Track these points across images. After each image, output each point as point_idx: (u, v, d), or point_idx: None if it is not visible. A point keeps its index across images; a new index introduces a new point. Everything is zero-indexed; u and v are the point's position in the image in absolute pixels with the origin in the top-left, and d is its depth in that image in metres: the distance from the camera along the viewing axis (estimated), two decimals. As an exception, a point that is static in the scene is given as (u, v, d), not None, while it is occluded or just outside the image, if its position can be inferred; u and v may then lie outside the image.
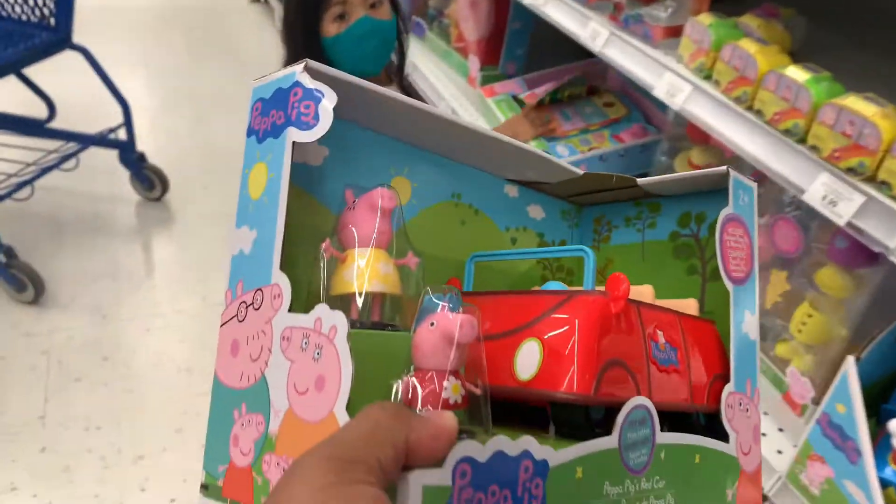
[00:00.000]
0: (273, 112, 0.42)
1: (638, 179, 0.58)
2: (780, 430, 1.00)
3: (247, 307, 0.41)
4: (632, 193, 0.62)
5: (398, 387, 0.38)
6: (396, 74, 1.55)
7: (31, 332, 2.05)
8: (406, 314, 0.44)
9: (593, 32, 1.15)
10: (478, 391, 0.40)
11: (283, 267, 0.39)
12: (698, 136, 1.16)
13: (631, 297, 0.45)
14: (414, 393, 0.38)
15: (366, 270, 0.43)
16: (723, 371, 0.52)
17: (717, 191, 0.55)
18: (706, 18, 0.96)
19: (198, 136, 3.14)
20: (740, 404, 0.50)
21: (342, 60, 1.32)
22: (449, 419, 0.33)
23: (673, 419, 0.48)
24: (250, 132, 0.44)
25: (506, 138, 0.54)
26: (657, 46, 1.06)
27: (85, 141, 2.46)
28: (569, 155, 1.41)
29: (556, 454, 0.37)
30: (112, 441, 1.80)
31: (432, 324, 0.38)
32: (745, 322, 0.51)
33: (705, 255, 0.57)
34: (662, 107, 1.53)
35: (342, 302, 0.43)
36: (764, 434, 0.97)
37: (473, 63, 1.88)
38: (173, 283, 2.33)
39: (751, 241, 0.53)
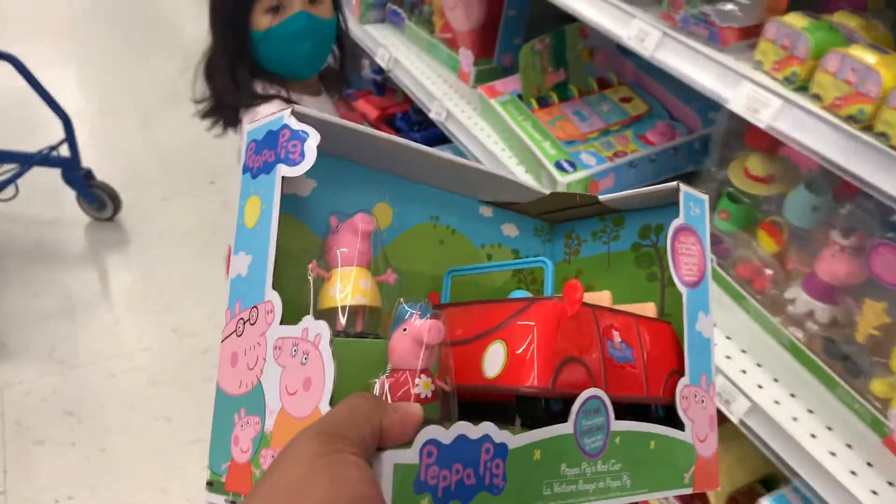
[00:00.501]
0: (265, 151, 0.47)
1: (600, 197, 0.63)
2: (890, 483, 0.88)
3: (244, 323, 0.46)
4: (597, 209, 0.67)
5: (376, 385, 0.44)
6: (336, 83, 1.38)
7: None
8: (385, 325, 0.48)
9: (641, 33, 0.99)
10: (447, 387, 0.45)
11: (275, 286, 0.44)
12: (761, 144, 1.02)
13: (590, 302, 0.52)
14: (390, 389, 0.43)
15: (348, 286, 0.48)
16: (678, 367, 0.56)
17: (673, 203, 0.58)
18: (797, 20, 0.81)
19: (147, 139, 2.86)
20: (695, 396, 0.55)
21: (271, 58, 1.18)
22: (416, 408, 0.39)
23: (634, 410, 0.53)
24: (245, 170, 0.49)
25: (479, 165, 0.60)
26: (725, 51, 0.91)
27: (24, 162, 2.18)
28: (596, 164, 1.26)
29: (514, 438, 0.43)
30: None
31: (405, 329, 0.44)
32: (699, 322, 0.56)
33: (664, 263, 0.61)
34: (687, 99, 1.38)
35: (328, 315, 0.47)
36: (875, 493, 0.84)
37: (466, 57, 1.70)
38: (136, 315, 2.09)
39: (702, 249, 0.58)
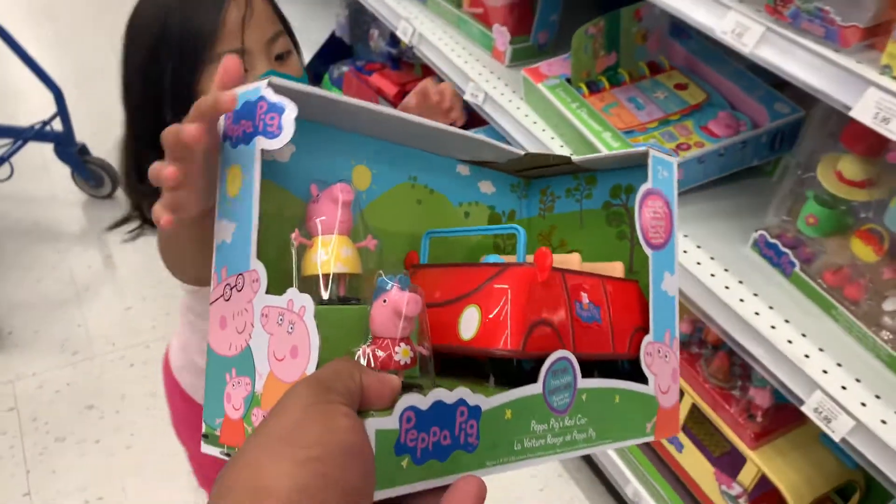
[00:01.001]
0: (243, 122, 0.47)
1: (573, 158, 0.66)
2: None
3: (231, 288, 0.47)
4: (571, 168, 0.69)
5: (358, 353, 0.46)
6: None
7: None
8: (367, 290, 0.50)
9: (738, 27, 0.92)
10: (425, 352, 0.48)
11: (259, 254, 0.45)
12: (860, 146, 0.96)
13: (560, 262, 0.56)
14: (372, 357, 0.45)
15: (330, 255, 0.50)
16: (643, 324, 0.59)
17: (644, 165, 0.60)
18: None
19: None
20: (659, 352, 0.58)
21: None
22: (393, 377, 0.43)
23: (601, 366, 0.58)
24: (224, 137, 0.49)
25: (456, 130, 0.60)
26: (844, 52, 0.84)
27: (18, 137, 2.05)
28: (665, 160, 1.19)
29: (487, 400, 0.46)
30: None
31: (384, 301, 0.46)
32: (665, 281, 0.59)
33: (633, 222, 0.62)
34: (747, 88, 1.31)
35: (311, 282, 0.49)
36: None
37: (501, 34, 1.61)
38: (150, 300, 2.00)
39: (670, 211, 0.60)
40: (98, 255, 2.16)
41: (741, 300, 1.06)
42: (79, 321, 1.94)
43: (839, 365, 0.96)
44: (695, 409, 1.29)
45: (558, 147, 1.35)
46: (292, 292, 0.44)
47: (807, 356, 0.97)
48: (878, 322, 0.96)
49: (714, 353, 1.24)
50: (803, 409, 0.95)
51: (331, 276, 0.50)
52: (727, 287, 1.08)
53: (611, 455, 1.47)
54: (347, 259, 0.50)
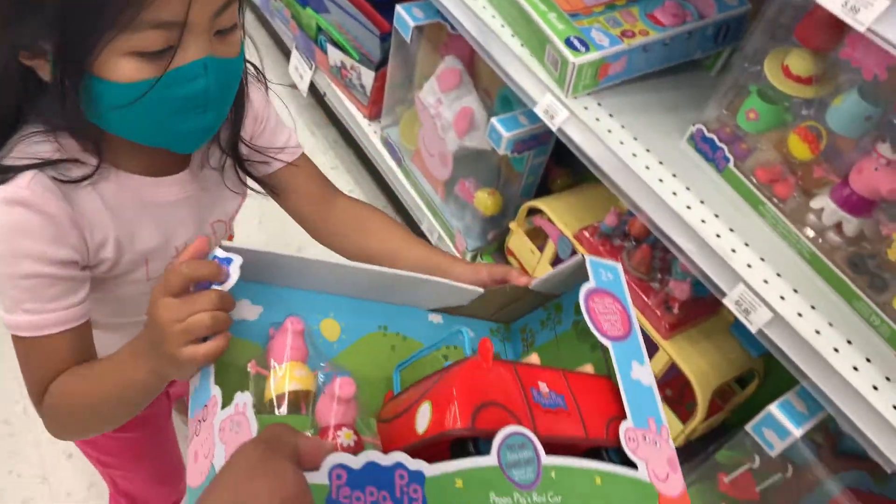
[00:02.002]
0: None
1: (532, 283, 0.71)
2: None
3: (200, 423, 0.52)
4: (540, 300, 0.74)
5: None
6: (228, 146, 0.79)
7: None
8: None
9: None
10: (370, 439, 0.53)
11: (220, 384, 0.52)
12: (813, 40, 0.94)
13: (520, 364, 0.59)
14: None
15: (283, 377, 0.55)
16: (619, 414, 0.59)
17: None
18: None
19: None
20: (645, 438, 0.57)
21: (121, 125, 0.64)
22: (327, 442, 0.48)
23: (587, 455, 0.56)
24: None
25: (420, 276, 0.66)
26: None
27: None
28: (609, 45, 1.14)
29: (430, 467, 0.47)
30: (14, 398, 1.42)
31: (324, 392, 0.54)
32: (634, 371, 0.60)
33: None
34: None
35: (273, 405, 0.55)
36: None
37: None
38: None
39: (624, 307, 0.63)
40: None
41: (674, 193, 1.06)
42: None
43: (763, 260, 0.98)
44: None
45: (510, 37, 1.26)
46: (238, 396, 0.49)
47: (733, 250, 0.99)
48: (804, 220, 0.99)
49: (637, 247, 1.25)
50: (725, 301, 0.98)
51: (286, 395, 0.54)
52: (661, 180, 1.07)
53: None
54: (302, 378, 0.55)
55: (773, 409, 0.95)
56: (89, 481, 1.35)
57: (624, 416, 0.57)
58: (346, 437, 0.51)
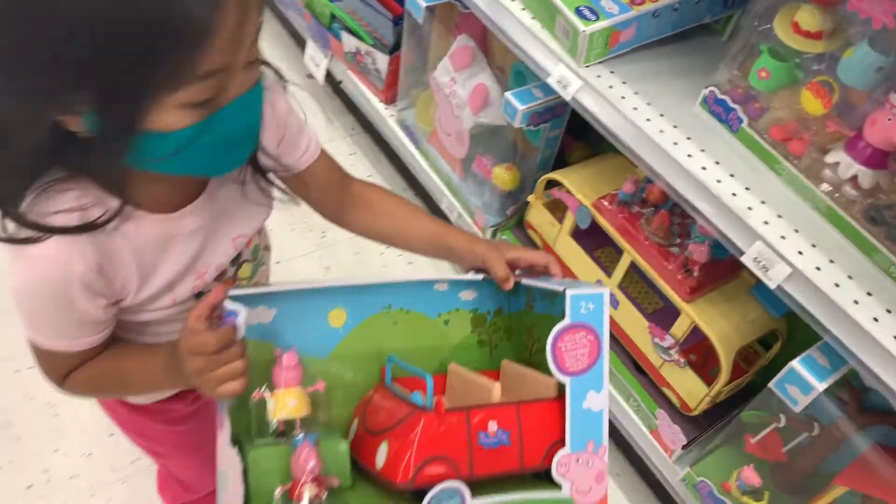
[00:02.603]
0: None
1: (510, 286, 0.78)
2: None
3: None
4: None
5: (276, 491, 0.64)
6: (249, 160, 0.77)
7: None
8: (316, 423, 0.69)
9: None
10: (334, 483, 0.65)
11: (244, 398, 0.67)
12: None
13: (484, 387, 0.73)
14: (288, 492, 0.63)
15: (279, 407, 0.67)
16: (562, 436, 0.68)
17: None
18: None
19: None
20: (577, 461, 0.68)
21: (174, 169, 0.63)
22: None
23: (515, 478, 0.69)
24: None
25: (432, 278, 0.77)
26: None
27: None
28: (619, 12, 1.15)
29: None
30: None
31: (298, 454, 0.64)
32: (587, 401, 0.68)
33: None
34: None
35: (273, 429, 0.68)
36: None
37: None
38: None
39: (596, 337, 0.69)
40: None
41: (688, 155, 1.06)
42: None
43: (779, 217, 0.99)
44: (631, 268, 1.32)
45: (520, 10, 1.27)
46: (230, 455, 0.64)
47: (749, 208, 1.00)
48: (819, 175, 0.99)
49: (655, 212, 1.26)
50: (743, 259, 0.98)
51: (278, 421, 0.67)
52: (675, 143, 1.08)
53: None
54: (293, 408, 0.66)
55: (796, 364, 0.96)
56: (132, 457, 1.40)
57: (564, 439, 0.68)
58: (308, 490, 0.62)
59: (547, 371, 0.68)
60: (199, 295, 0.77)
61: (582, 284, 0.70)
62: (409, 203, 0.93)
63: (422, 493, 0.62)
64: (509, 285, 0.78)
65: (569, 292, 0.68)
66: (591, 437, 0.68)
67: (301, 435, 0.64)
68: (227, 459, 0.64)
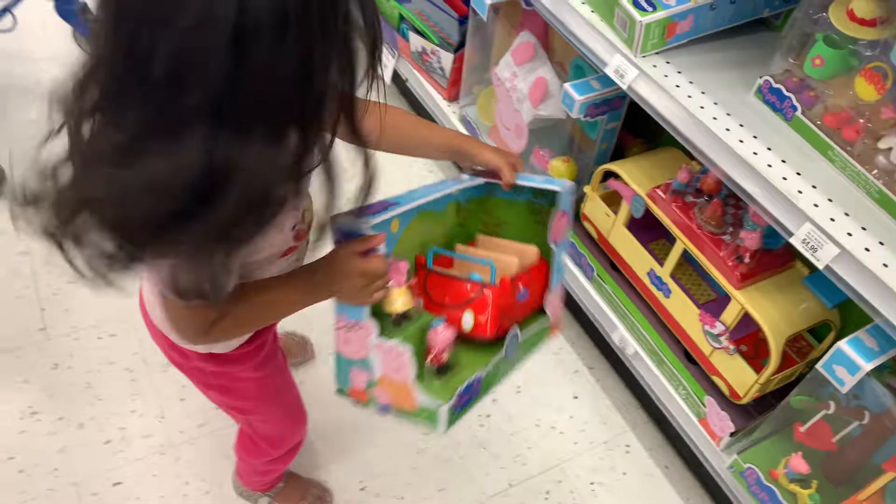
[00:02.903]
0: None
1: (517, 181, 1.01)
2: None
3: (349, 329, 0.86)
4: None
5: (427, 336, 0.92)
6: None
7: (1, 231, 1.74)
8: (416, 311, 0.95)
9: None
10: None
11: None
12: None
13: (517, 253, 1.03)
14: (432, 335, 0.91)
15: (397, 301, 0.90)
16: (547, 284, 1.04)
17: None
18: None
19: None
20: (553, 295, 1.04)
21: None
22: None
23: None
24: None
25: (451, 190, 1.03)
26: None
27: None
28: (677, 3, 1.18)
29: (484, 368, 0.92)
30: (134, 350, 1.60)
31: (442, 328, 0.91)
32: (564, 257, 1.02)
33: (546, 218, 1.01)
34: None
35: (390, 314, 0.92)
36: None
37: None
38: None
39: (568, 219, 1.00)
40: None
41: (740, 141, 1.09)
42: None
43: (830, 200, 1.00)
44: (683, 260, 1.34)
45: (580, 4, 1.33)
46: (392, 342, 0.85)
47: (800, 192, 1.01)
48: (872, 161, 1.00)
49: (708, 202, 1.28)
50: (792, 240, 1.00)
51: (398, 313, 0.91)
52: (728, 129, 1.11)
53: (597, 301, 1.54)
54: (405, 303, 0.90)
55: (843, 345, 0.97)
56: (200, 420, 1.49)
57: (548, 286, 1.03)
58: (446, 354, 0.91)
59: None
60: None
61: (556, 181, 0.98)
62: (415, 116, 1.07)
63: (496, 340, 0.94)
64: (510, 186, 1.00)
65: (561, 190, 0.97)
66: (559, 281, 1.02)
67: (440, 318, 0.91)
68: (385, 346, 0.84)
